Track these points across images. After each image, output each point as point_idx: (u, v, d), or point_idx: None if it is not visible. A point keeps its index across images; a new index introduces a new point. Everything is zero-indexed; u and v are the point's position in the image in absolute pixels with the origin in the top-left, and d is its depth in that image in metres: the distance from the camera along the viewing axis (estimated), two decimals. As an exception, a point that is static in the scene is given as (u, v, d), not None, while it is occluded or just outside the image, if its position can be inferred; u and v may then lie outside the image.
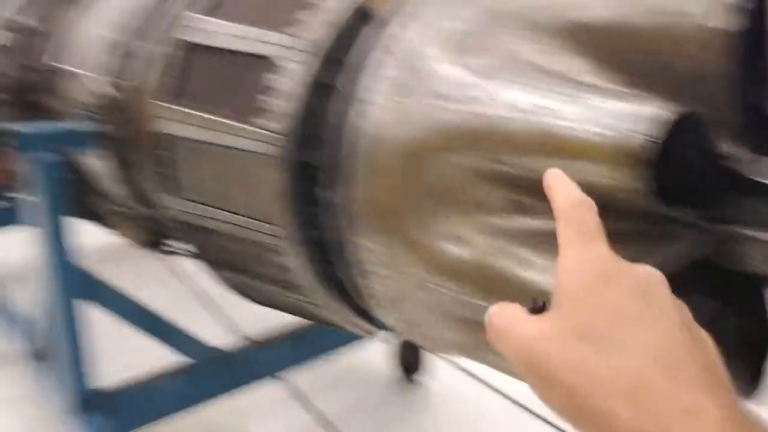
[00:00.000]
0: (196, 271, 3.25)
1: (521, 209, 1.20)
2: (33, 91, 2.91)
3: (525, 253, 1.17)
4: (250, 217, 1.59)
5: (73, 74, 2.35)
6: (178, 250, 2.63)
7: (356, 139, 1.38)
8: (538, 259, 1.15)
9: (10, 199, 3.65)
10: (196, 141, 1.66)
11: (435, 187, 1.27)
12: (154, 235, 2.75)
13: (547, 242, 1.18)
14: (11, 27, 3.28)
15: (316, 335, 2.93)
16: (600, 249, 0.53)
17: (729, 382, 0.47)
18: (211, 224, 1.70)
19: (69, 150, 2.20)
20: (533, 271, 1.15)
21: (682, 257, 1.07)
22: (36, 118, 2.88)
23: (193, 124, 1.66)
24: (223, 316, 3.34)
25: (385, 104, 1.35)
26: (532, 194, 1.19)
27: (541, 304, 0.54)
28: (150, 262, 3.57)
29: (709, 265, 1.14)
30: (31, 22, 3.10)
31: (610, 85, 1.19)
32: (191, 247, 2.59)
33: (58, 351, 2.30)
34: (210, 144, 1.63)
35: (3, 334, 3.51)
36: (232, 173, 1.61)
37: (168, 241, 2.77)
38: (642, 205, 1.04)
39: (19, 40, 3.12)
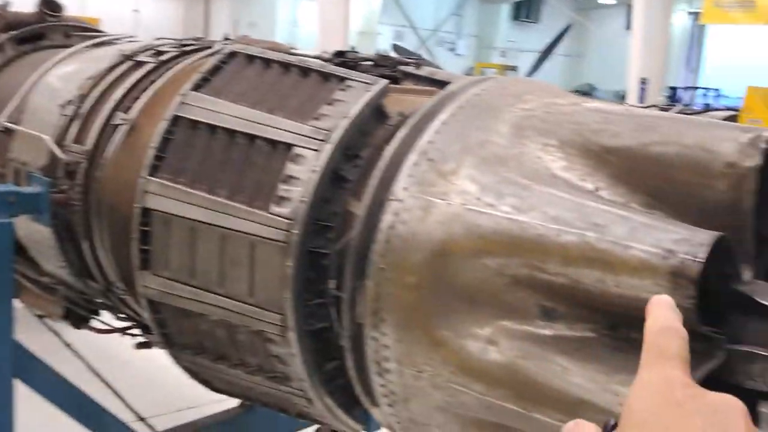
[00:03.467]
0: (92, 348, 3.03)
1: (555, 317, 1.25)
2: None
3: (560, 360, 1.22)
4: (250, 304, 1.54)
5: (24, 135, 2.20)
6: (111, 328, 2.46)
7: (377, 234, 1.40)
8: (575, 368, 1.20)
9: None
10: (193, 221, 1.60)
11: (467, 288, 1.30)
12: (82, 309, 2.56)
13: (581, 350, 1.24)
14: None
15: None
16: (674, 374, 0.51)
17: None
18: (199, 308, 1.63)
19: (15, 214, 2.04)
20: (570, 379, 1.20)
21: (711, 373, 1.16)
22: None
23: (191, 203, 1.61)
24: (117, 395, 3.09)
25: (412, 202, 1.38)
26: (568, 303, 1.25)
27: (612, 423, 0.54)
28: (41, 336, 3.27)
29: (714, 379, 1.22)
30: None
31: (635, 206, 1.30)
32: (127, 325, 2.43)
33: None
34: (210, 225, 1.58)
35: None
36: (232, 257, 1.56)
37: (97, 318, 2.59)
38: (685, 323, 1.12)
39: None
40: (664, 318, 0.56)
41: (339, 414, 1.63)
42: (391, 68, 1.90)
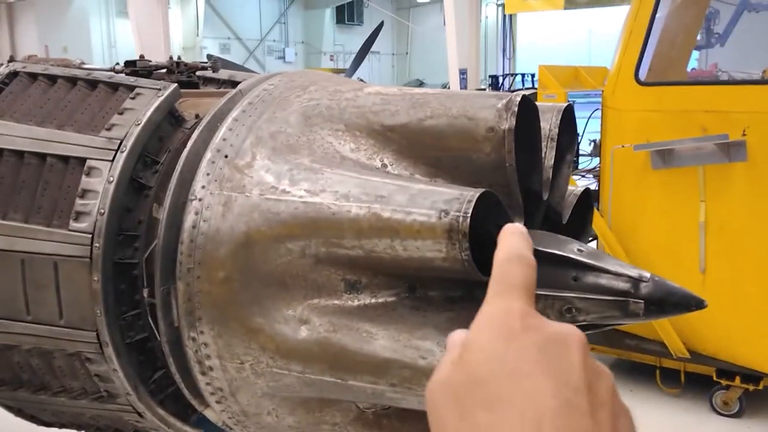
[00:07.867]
0: None
1: (360, 288, 1.33)
2: None
3: (367, 327, 1.30)
4: (62, 326, 1.50)
5: None
6: None
7: (181, 235, 1.41)
8: (379, 332, 1.29)
9: None
10: (-11, 249, 1.53)
11: (274, 274, 1.35)
12: None
13: (384, 314, 1.32)
14: None
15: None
16: (514, 305, 0.50)
17: None
18: (8, 339, 1.55)
19: None
20: (376, 342, 1.28)
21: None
22: None
23: (-16, 232, 1.53)
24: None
25: (211, 199, 1.41)
26: (369, 273, 1.33)
27: None
28: None
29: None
30: None
31: (420, 176, 1.41)
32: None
33: None
34: (7, 251, 1.52)
35: None
36: (36, 281, 1.51)
37: None
38: (465, 274, 1.24)
39: None
40: (512, 246, 0.54)
41: (174, 423, 1.62)
42: (187, 74, 1.91)
